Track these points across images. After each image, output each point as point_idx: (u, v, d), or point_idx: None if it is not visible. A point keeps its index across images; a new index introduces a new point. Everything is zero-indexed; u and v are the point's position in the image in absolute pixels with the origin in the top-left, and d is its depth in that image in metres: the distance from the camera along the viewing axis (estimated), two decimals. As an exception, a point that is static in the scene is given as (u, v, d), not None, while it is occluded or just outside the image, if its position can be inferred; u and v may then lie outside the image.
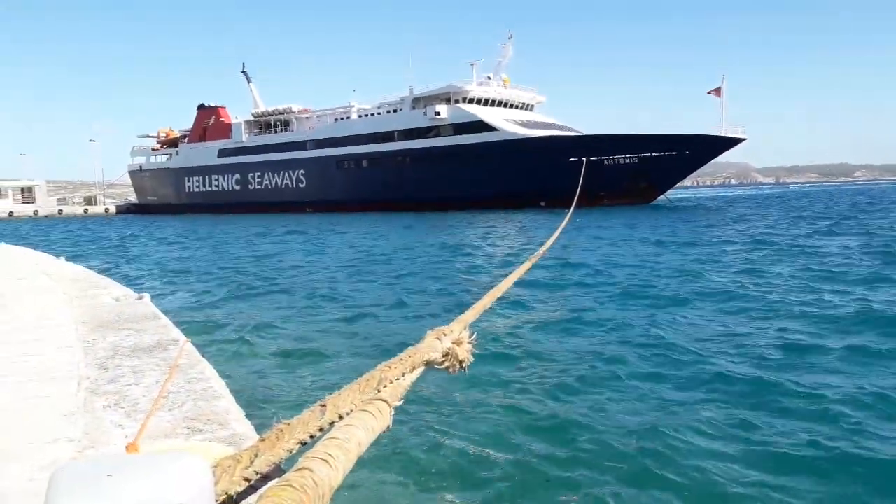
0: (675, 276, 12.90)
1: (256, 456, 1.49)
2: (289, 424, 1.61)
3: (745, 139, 49.41)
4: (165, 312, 4.83)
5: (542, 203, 50.12)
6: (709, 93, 50.38)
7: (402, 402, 1.96)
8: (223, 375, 2.96)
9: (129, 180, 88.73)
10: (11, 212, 77.16)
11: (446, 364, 2.40)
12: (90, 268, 9.38)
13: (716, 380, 6.02)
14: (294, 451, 1.55)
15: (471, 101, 55.13)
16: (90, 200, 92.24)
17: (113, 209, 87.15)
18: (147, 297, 5.27)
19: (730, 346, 7.23)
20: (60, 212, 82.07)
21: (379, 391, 1.91)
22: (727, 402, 5.44)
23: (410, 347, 2.23)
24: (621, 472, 4.21)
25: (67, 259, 9.71)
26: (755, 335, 7.59)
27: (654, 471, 4.20)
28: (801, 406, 5.28)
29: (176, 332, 3.91)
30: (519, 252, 18.79)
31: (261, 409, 5.13)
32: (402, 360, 2.12)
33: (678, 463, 4.30)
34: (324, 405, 1.73)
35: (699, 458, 4.37)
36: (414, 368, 2.19)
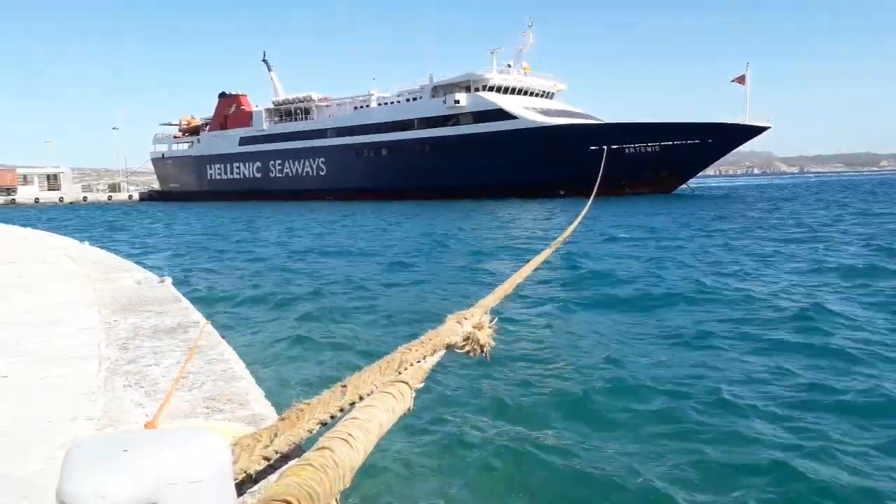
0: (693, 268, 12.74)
1: (276, 435, 1.46)
2: (309, 404, 1.58)
3: (769, 127, 48.67)
4: (186, 295, 4.85)
5: (562, 192, 49.82)
6: (733, 81, 49.61)
7: (422, 385, 1.93)
8: (243, 357, 2.95)
9: (151, 168, 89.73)
10: (37, 198, 78.40)
11: (467, 348, 2.37)
12: (113, 252, 9.47)
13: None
14: (314, 432, 1.53)
15: (490, 89, 54.81)
16: (114, 188, 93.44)
17: (136, 196, 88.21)
18: (168, 280, 5.29)
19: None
20: (85, 199, 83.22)
21: (400, 373, 1.89)
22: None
23: (431, 331, 2.20)
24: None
25: (91, 244, 9.81)
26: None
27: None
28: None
29: (196, 315, 3.92)
30: (538, 239, 18.68)
31: (281, 389, 5.14)
32: (422, 342, 2.09)
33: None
34: (344, 386, 1.70)
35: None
36: (435, 351, 2.16)
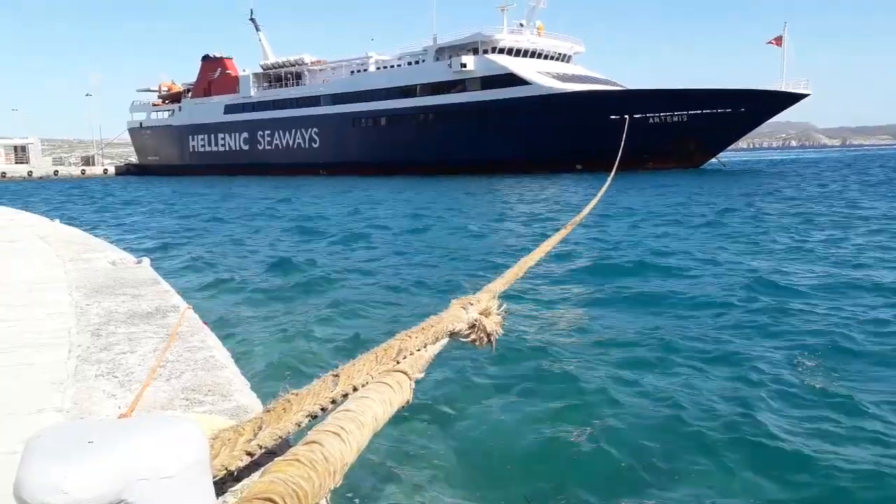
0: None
1: (260, 428, 1.46)
2: (297, 395, 1.57)
3: (808, 94, 48.21)
4: (166, 277, 4.86)
5: (579, 166, 49.60)
6: (768, 43, 49.14)
7: (423, 375, 1.92)
8: (227, 344, 2.95)
9: (128, 139, 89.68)
10: (4, 172, 78.55)
11: (472, 337, 2.36)
12: (87, 230, 9.49)
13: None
14: (303, 425, 1.53)
15: (500, 51, 54.35)
16: (87, 161, 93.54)
17: (112, 170, 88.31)
18: (146, 260, 5.30)
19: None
20: (56, 173, 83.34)
21: (398, 362, 1.88)
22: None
23: (433, 316, 2.19)
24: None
25: (63, 221, 9.83)
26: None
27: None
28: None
29: (176, 299, 3.92)
30: (552, 219, 18.64)
31: (268, 379, 5.17)
32: (423, 329, 2.08)
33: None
34: (336, 375, 1.70)
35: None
36: (437, 339, 2.15)
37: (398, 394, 1.71)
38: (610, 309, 8.11)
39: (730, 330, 6.96)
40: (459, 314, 2.34)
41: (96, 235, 8.70)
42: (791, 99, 48.33)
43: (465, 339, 2.36)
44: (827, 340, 6.44)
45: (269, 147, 69.91)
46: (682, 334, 6.81)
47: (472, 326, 2.36)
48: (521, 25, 56.65)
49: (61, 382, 2.42)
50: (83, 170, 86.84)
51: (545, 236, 4.17)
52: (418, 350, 2.00)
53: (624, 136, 41.42)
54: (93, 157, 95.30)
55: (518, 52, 54.82)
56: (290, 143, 67.86)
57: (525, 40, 55.46)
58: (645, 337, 6.77)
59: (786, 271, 10.08)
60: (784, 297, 8.23)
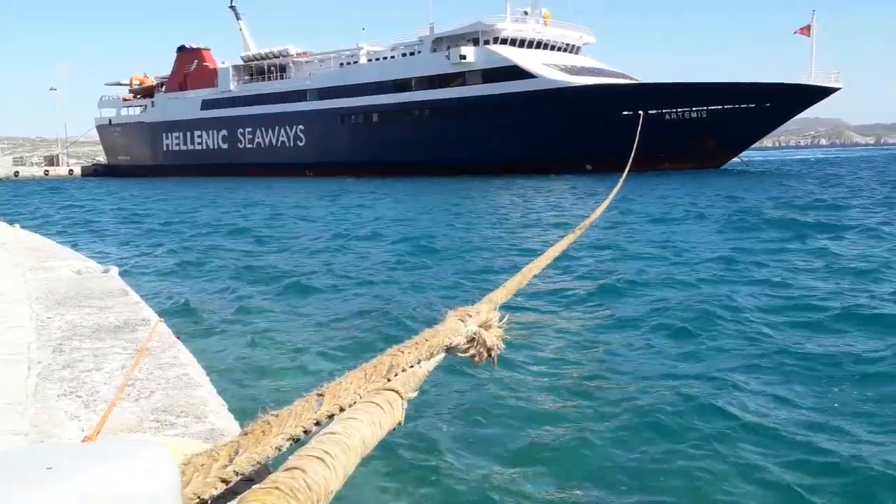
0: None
1: (237, 453, 1.45)
2: (277, 416, 1.56)
3: (839, 88, 48.36)
4: (136, 288, 4.85)
5: (589, 167, 49.65)
6: (796, 32, 49.35)
7: (416, 395, 1.91)
8: (202, 360, 2.94)
9: (96, 137, 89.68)
10: (-40, 173, 78.55)
11: (471, 351, 2.35)
12: (50, 237, 9.48)
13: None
14: (283, 449, 1.52)
15: (503, 41, 54.48)
16: (51, 161, 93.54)
17: (78, 171, 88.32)
18: (114, 269, 5.30)
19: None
20: (17, 174, 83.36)
21: (389, 380, 1.87)
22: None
23: (428, 330, 2.18)
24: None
25: (23, 227, 9.82)
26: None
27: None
28: None
29: (147, 311, 3.92)
30: (559, 224, 18.66)
31: (246, 399, 5.16)
32: (417, 344, 2.07)
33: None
34: (321, 394, 1.69)
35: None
36: (432, 355, 2.14)
37: (389, 415, 1.70)
38: (613, 318, 8.11)
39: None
40: (457, 327, 2.33)
41: (60, 242, 8.70)
42: (820, 93, 48.45)
43: (462, 355, 2.35)
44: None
45: (251, 146, 69.88)
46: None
47: (471, 340, 2.34)
48: (526, 14, 56.83)
49: (20, 403, 2.41)
50: (46, 170, 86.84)
51: (550, 241, 4.16)
52: (411, 366, 1.99)
53: (638, 133, 41.51)
54: (57, 156, 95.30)
55: (522, 43, 54.93)
56: (274, 141, 67.85)
57: (530, 30, 55.61)
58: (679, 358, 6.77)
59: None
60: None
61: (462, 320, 2.37)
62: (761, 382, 5.90)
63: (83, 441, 1.17)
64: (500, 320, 2.44)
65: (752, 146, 54.81)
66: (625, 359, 6.72)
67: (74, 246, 12.50)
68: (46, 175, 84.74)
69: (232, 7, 78.66)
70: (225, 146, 72.13)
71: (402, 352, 2.00)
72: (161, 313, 4.16)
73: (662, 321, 8.05)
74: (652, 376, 6.17)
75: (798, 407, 5.40)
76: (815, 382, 5.91)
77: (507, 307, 2.59)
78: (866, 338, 7.18)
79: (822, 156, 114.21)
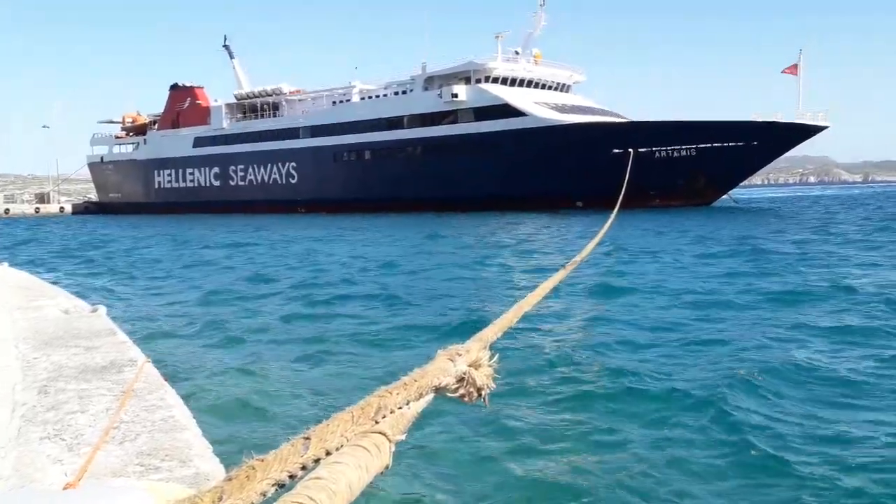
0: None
1: (221, 499, 1.42)
2: (263, 461, 1.54)
3: (827, 127, 48.94)
4: (124, 328, 4.82)
5: (579, 203, 49.91)
6: (783, 71, 50.03)
7: (405, 437, 1.89)
8: (189, 402, 2.91)
9: (88, 174, 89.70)
10: (-50, 211, 78.35)
11: (461, 391, 2.32)
12: (39, 275, 9.44)
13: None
14: (268, 495, 1.49)
15: (495, 80, 55.12)
16: (42, 198, 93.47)
17: (69, 208, 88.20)
18: (102, 309, 5.26)
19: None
20: (7, 211, 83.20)
21: (377, 422, 1.85)
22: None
23: (417, 370, 2.16)
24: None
25: (11, 265, 9.78)
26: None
27: None
28: None
29: (134, 351, 3.88)
30: (548, 261, 18.68)
31: (233, 443, 5.09)
32: (406, 384, 2.05)
33: None
34: (307, 438, 1.67)
35: None
36: (421, 395, 2.12)
37: (376, 458, 1.68)
38: (606, 355, 8.08)
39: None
40: (446, 367, 2.31)
41: (50, 280, 8.65)
42: (808, 131, 49.01)
43: (452, 395, 2.32)
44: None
45: (243, 183, 70.00)
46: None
47: (461, 380, 2.32)
48: (517, 53, 57.55)
49: (2, 447, 2.37)
50: (37, 208, 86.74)
51: (541, 278, 4.16)
52: (400, 408, 1.97)
53: (628, 171, 41.84)
54: (48, 193, 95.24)
55: (513, 82, 55.58)
56: (266, 178, 68.02)
57: (521, 69, 56.28)
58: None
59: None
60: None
61: (451, 360, 2.35)
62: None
63: (65, 487, 1.15)
64: (491, 359, 2.43)
65: (742, 183, 55.24)
66: (619, 399, 6.68)
67: (63, 283, 12.47)
68: (37, 212, 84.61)
69: (225, 46, 79.40)
70: (217, 183, 72.24)
71: (390, 393, 1.98)
72: (149, 353, 4.13)
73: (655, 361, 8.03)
74: (646, 419, 6.13)
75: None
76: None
77: (497, 346, 2.58)
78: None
79: (820, 192, 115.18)
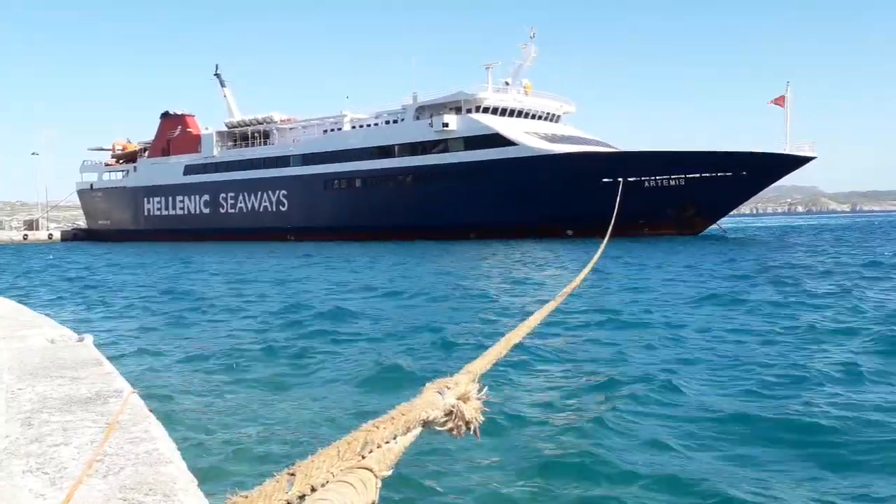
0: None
1: (203, 537, 1.41)
2: (247, 497, 1.53)
3: (814, 157, 49.48)
4: (112, 355, 4.78)
5: (569, 232, 50.15)
6: (770, 103, 50.67)
7: (391, 473, 1.88)
8: (174, 435, 2.89)
9: (77, 201, 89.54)
10: (-63, 237, 77.87)
11: (449, 425, 2.31)
12: (25, 304, 9.38)
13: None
14: (252, 532, 1.47)
15: (485, 110, 55.59)
16: (31, 225, 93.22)
17: (57, 235, 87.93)
18: (89, 338, 5.23)
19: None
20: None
21: (363, 457, 1.84)
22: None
23: (404, 404, 2.15)
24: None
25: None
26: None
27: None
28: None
29: (120, 382, 3.85)
30: (540, 290, 18.69)
31: (218, 477, 5.03)
32: (393, 419, 2.04)
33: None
34: (292, 473, 1.65)
35: None
36: (408, 430, 2.11)
37: (361, 495, 1.66)
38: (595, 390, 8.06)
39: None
40: (434, 400, 2.30)
41: (37, 309, 8.59)
42: (796, 162, 49.52)
43: (440, 428, 2.31)
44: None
45: (233, 210, 70.02)
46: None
47: (449, 414, 2.30)
48: (507, 84, 58.11)
49: (-18, 480, 2.34)
50: (25, 234, 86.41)
51: (531, 308, 4.16)
52: (386, 443, 1.95)
53: (617, 200, 42.10)
54: (37, 220, 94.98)
55: (504, 112, 56.05)
56: (256, 206, 68.08)
57: (511, 99, 56.80)
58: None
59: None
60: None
61: (440, 393, 2.34)
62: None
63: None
64: (480, 391, 2.42)
65: (731, 213, 55.65)
66: (617, 430, 6.66)
67: (49, 312, 12.37)
68: (25, 239, 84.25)
69: (217, 75, 79.78)
70: (207, 211, 72.22)
71: (377, 427, 1.97)
72: (135, 383, 4.09)
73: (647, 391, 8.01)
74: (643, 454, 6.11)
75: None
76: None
77: (487, 378, 2.57)
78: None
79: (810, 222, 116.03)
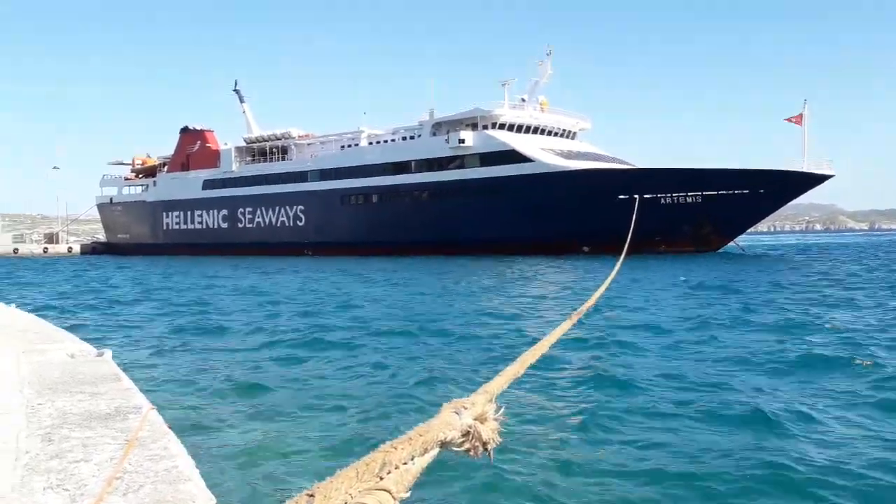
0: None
1: (224, 559, 1.42)
2: (266, 519, 1.54)
3: (832, 175, 49.14)
4: (131, 370, 4.81)
5: (586, 249, 50.01)
6: (787, 120, 50.43)
7: (409, 494, 1.87)
8: (193, 452, 2.90)
9: (97, 215, 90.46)
10: (-41, 249, 78.80)
11: (466, 445, 2.30)
12: (47, 317, 9.45)
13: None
14: (271, 554, 1.48)
15: (501, 126, 55.72)
16: (51, 238, 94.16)
17: (77, 248, 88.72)
18: (108, 353, 5.26)
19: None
20: (16, 251, 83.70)
21: (381, 478, 1.84)
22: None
23: (422, 425, 2.15)
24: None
25: (19, 306, 9.81)
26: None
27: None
28: None
29: (139, 398, 3.87)
30: (556, 308, 18.62)
31: (236, 497, 5.03)
32: (411, 439, 2.04)
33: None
34: (311, 495, 1.66)
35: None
36: (426, 450, 2.11)
37: (380, 516, 1.67)
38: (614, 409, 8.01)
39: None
40: (451, 420, 2.29)
41: (57, 322, 8.66)
42: (814, 180, 49.18)
43: (457, 449, 2.30)
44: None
45: (251, 225, 70.48)
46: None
47: (467, 434, 2.30)
48: (523, 101, 58.23)
49: (3, 497, 2.36)
50: (46, 248, 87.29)
51: (548, 327, 4.13)
52: (405, 464, 1.95)
53: (634, 217, 41.96)
54: (57, 234, 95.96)
55: (520, 129, 56.15)
56: (274, 220, 68.47)
57: (527, 116, 56.90)
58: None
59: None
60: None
61: (457, 413, 2.33)
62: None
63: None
64: (497, 412, 2.41)
65: (748, 231, 55.32)
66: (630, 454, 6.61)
67: (69, 325, 12.47)
68: (45, 252, 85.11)
69: (236, 90, 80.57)
70: (225, 226, 72.73)
71: (395, 448, 1.97)
72: (154, 399, 4.12)
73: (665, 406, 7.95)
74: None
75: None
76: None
77: (504, 398, 2.57)
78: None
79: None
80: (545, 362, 9.86)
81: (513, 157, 53.41)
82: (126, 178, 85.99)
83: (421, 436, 2.09)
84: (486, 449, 2.32)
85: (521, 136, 55.49)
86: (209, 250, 70.66)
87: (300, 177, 66.74)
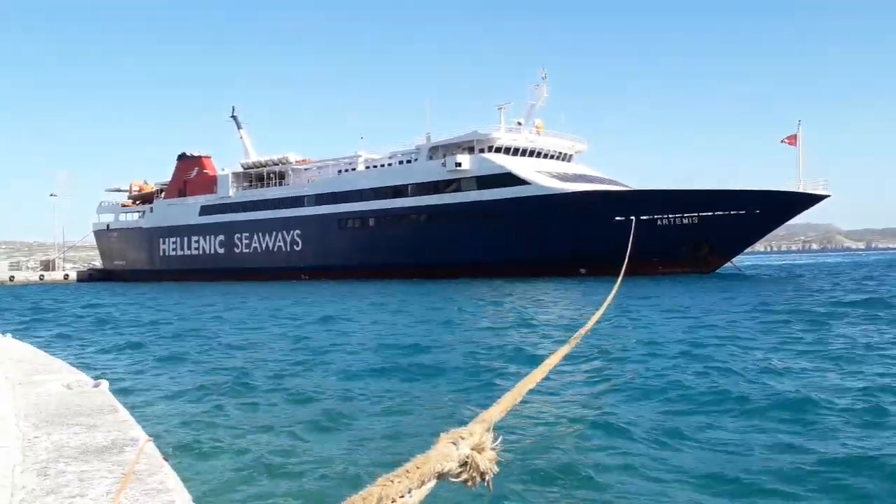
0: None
1: None
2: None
3: (827, 196, 49.41)
4: (127, 404, 4.80)
5: (583, 271, 50.06)
6: (782, 141, 50.77)
7: (406, 528, 1.86)
8: (190, 487, 2.89)
9: (94, 241, 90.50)
10: (-45, 278, 78.63)
11: (464, 476, 2.29)
12: (42, 347, 9.42)
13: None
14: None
15: (498, 150, 56.00)
16: (47, 265, 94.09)
17: (73, 275, 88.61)
18: (105, 383, 5.25)
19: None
20: (12, 278, 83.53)
21: (378, 513, 1.83)
22: None
23: (419, 456, 2.15)
24: None
25: (15, 336, 9.77)
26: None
27: None
28: None
29: (136, 430, 3.86)
30: (555, 332, 18.58)
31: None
32: (408, 472, 2.04)
33: None
34: (308, 531, 1.66)
35: None
36: (423, 483, 2.10)
37: (377, 554, 1.66)
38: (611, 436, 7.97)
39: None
40: (449, 451, 2.28)
41: (53, 352, 8.64)
42: (809, 200, 49.47)
43: (455, 480, 2.29)
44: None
45: (248, 250, 70.53)
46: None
47: (464, 465, 2.29)
48: (520, 124, 58.57)
49: (-1, 534, 2.35)
50: (42, 275, 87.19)
51: (545, 351, 4.14)
52: (401, 497, 1.95)
53: (630, 238, 42.05)
54: (53, 261, 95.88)
55: (516, 151, 56.45)
56: (271, 245, 68.54)
57: (523, 139, 57.22)
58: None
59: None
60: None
61: (454, 443, 2.32)
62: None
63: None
64: (495, 441, 2.40)
65: (745, 251, 55.46)
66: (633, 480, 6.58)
67: (65, 356, 12.42)
68: (42, 280, 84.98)
69: (233, 116, 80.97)
70: (221, 251, 72.77)
71: (391, 481, 1.96)
72: (152, 431, 4.10)
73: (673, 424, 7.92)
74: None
75: None
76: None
77: (501, 427, 2.56)
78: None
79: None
80: (544, 388, 9.83)
81: (509, 180, 53.64)
82: (123, 205, 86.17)
83: (418, 468, 2.08)
84: (483, 479, 2.32)
85: (518, 159, 55.77)
86: (206, 276, 70.63)
87: (297, 202, 66.93)
